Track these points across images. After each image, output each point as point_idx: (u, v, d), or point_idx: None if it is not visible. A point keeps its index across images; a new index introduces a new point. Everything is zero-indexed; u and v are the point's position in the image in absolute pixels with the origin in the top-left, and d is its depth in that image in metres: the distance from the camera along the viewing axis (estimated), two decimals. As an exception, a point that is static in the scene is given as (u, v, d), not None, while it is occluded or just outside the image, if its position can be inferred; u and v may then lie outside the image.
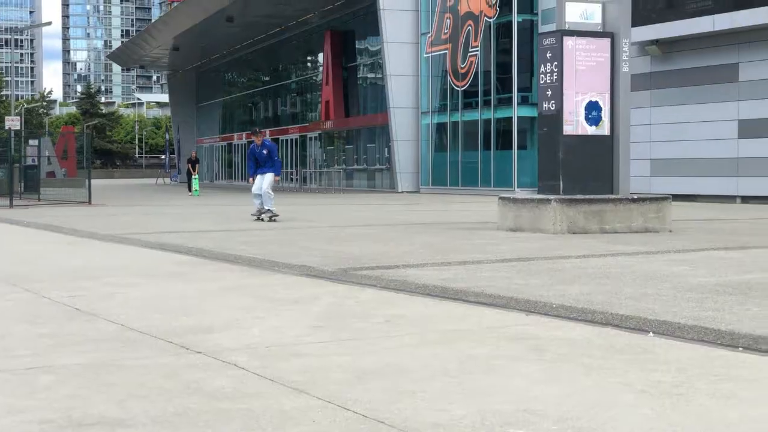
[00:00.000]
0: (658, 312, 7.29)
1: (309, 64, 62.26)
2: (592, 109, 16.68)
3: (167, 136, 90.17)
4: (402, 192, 43.97)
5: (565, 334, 6.60)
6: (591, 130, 16.73)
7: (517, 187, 36.52)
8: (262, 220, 20.31)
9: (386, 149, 47.17)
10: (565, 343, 6.22)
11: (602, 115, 16.78)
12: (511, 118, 38.78)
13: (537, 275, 10.00)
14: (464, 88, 42.12)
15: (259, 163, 21.47)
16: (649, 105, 32.29)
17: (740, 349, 5.94)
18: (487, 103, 40.75)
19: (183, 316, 7.47)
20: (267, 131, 26.78)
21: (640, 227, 16.13)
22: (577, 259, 11.62)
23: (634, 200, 16.43)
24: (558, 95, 16.56)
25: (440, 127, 44.30)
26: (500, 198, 17.64)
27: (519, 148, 38.23)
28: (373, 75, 50.54)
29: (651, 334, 6.48)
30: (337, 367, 5.53)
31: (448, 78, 43.06)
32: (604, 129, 16.86)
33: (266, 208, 20.52)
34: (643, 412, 4.44)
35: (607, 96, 16.86)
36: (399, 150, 44.90)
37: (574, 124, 16.60)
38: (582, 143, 16.67)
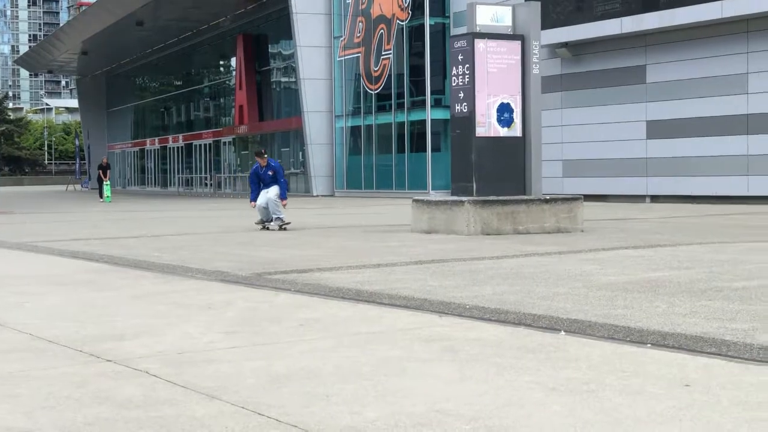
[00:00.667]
0: (569, 311, 7.38)
1: (222, 69, 61.87)
2: (504, 110, 16.84)
3: (77, 142, 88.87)
4: (317, 196, 43.91)
5: (479, 334, 6.64)
6: (503, 132, 16.88)
7: (432, 189, 36.70)
8: (268, 228, 18.98)
9: (301, 153, 47.05)
10: (478, 344, 6.26)
11: (514, 117, 16.95)
12: (425, 120, 38.96)
13: (451, 277, 10.05)
14: (378, 91, 42.21)
15: (261, 186, 19.92)
16: (560, 106, 32.68)
17: (649, 345, 6.04)
18: (400, 106, 40.88)
19: (94, 324, 7.36)
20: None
21: (552, 227, 16.32)
22: (490, 260, 11.70)
23: (546, 201, 16.61)
24: (470, 97, 16.69)
25: (354, 131, 44.33)
26: (414, 200, 17.71)
27: (433, 150, 38.40)
28: (286, 79, 50.42)
29: (562, 332, 6.56)
30: (251, 372, 5.50)
31: (362, 81, 43.12)
32: (516, 130, 17.03)
33: (275, 216, 19.09)
34: (554, 409, 4.49)
35: (519, 98, 17.04)
36: (313, 154, 44.82)
37: (487, 126, 16.73)
38: (494, 145, 16.82)
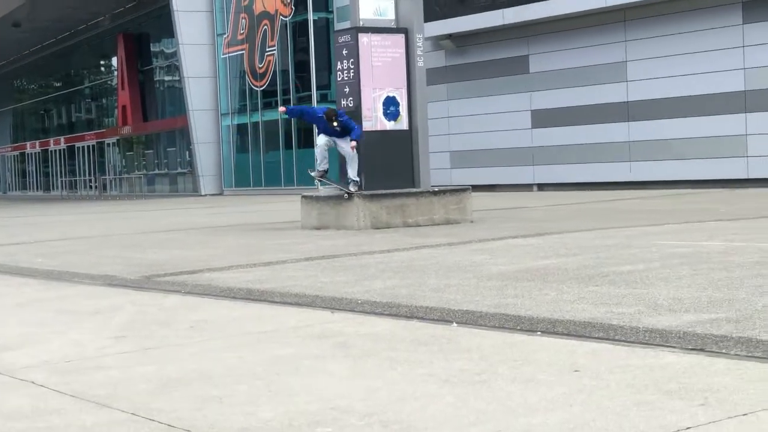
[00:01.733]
0: (460, 302, 7.45)
1: (103, 69, 60.88)
2: (390, 104, 16.91)
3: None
4: (205, 195, 43.53)
5: (371, 329, 6.66)
6: (390, 126, 16.96)
7: (321, 185, 36.65)
8: (322, 180, 17.21)
9: (187, 152, 46.60)
10: (371, 339, 6.27)
11: (400, 110, 17.04)
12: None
13: (342, 272, 10.06)
14: (263, 87, 42.01)
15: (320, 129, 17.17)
16: (446, 98, 32.90)
17: (539, 333, 6.12)
18: (286, 102, 40.73)
19: (-23, 334, 7.19)
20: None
21: (442, 219, 16.44)
22: (381, 254, 11.75)
23: (434, 193, 16.73)
24: (356, 92, 16.73)
25: (241, 128, 44.05)
26: (303, 197, 17.68)
27: (322, 146, 38.38)
28: (170, 78, 49.86)
29: (454, 324, 6.60)
30: (142, 377, 5.42)
31: (247, 78, 42.87)
32: (403, 123, 17.12)
33: (350, 177, 16.45)
34: (447, 400, 4.52)
35: (404, 91, 17.13)
36: (200, 153, 44.40)
37: (373, 120, 16.79)
38: (382, 138, 16.88)
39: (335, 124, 16.18)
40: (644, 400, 4.35)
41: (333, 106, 17.22)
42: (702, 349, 5.36)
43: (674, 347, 5.46)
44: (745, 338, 5.53)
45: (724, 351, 5.28)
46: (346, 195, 16.23)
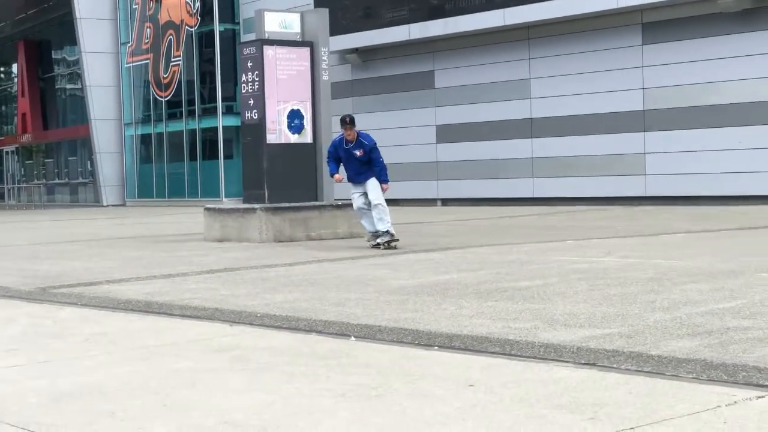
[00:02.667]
0: (360, 316, 7.47)
1: (3, 75, 59.72)
2: (295, 117, 16.90)
3: None
4: (107, 206, 42.95)
5: (269, 342, 6.65)
6: (294, 138, 16.95)
7: (225, 197, 36.43)
8: (381, 246, 13.90)
9: (89, 162, 45.95)
10: (269, 352, 6.26)
11: (304, 123, 17.04)
12: (216, 127, 38.67)
13: (243, 285, 10.03)
14: (168, 98, 41.65)
15: (346, 166, 14.65)
16: (352, 112, 32.93)
17: (436, 348, 6.17)
18: (191, 113, 40.47)
19: None
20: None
21: (345, 233, 16.47)
22: (283, 267, 11.73)
23: (338, 206, 16.75)
24: (260, 104, 16.68)
25: (145, 139, 43.60)
26: (206, 209, 17.59)
27: (225, 157, 38.16)
28: (72, 86, 49.13)
29: (353, 338, 6.63)
30: (33, 391, 5.32)
31: (151, 88, 42.46)
32: (307, 137, 17.12)
33: (381, 227, 14.02)
34: (343, 415, 4.54)
35: (309, 104, 17.14)
36: (102, 163, 43.83)
37: (277, 132, 16.76)
38: (285, 151, 16.86)
39: (358, 152, 14.26)
40: (536, 414, 4.42)
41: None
42: (594, 364, 5.46)
43: (568, 362, 5.55)
44: (635, 353, 5.65)
45: (615, 366, 5.38)
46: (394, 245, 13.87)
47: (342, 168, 14.66)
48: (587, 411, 4.43)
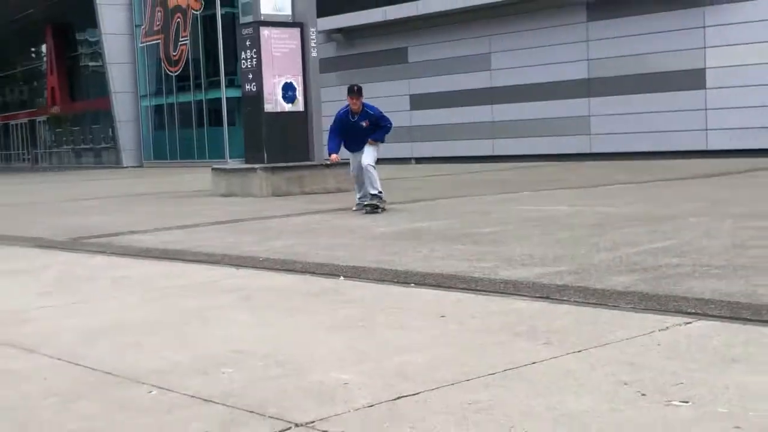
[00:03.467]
0: (347, 258, 7.49)
1: (34, 56, 58.98)
2: (288, 89, 16.84)
3: None
4: (127, 167, 42.67)
5: (271, 283, 6.67)
6: (288, 108, 16.90)
7: (229, 158, 36.25)
8: (367, 210, 11.96)
9: (110, 129, 45.59)
10: (271, 292, 6.29)
11: (297, 94, 16.99)
12: (221, 98, 38.38)
13: (247, 234, 10.03)
14: (177, 73, 41.27)
15: (349, 141, 12.64)
16: (337, 84, 32.75)
17: (412, 285, 6.19)
18: (198, 86, 40.14)
19: None
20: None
21: (334, 188, 16.46)
22: (281, 218, 11.73)
23: (327, 166, 16.70)
24: (258, 78, 16.62)
25: (158, 109, 43.27)
26: (213, 169, 17.59)
27: (229, 124, 37.88)
28: (93, 63, 48.55)
29: (342, 278, 6.65)
30: (68, 328, 5.34)
31: (163, 65, 42.08)
32: (299, 106, 17.08)
33: (370, 191, 12.11)
34: (335, 343, 4.57)
35: (300, 78, 17.07)
36: (122, 130, 43.56)
37: (273, 102, 16.71)
38: (281, 119, 16.82)
39: (364, 123, 12.39)
40: (499, 341, 4.47)
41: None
42: (547, 297, 5.50)
43: (525, 296, 5.59)
44: (582, 287, 5.70)
45: (565, 298, 5.43)
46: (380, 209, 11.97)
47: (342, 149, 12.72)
48: (542, 337, 4.48)
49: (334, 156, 12.61)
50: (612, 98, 24.66)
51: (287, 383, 3.87)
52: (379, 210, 11.81)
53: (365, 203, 12.03)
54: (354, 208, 12.33)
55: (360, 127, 12.31)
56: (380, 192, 12.00)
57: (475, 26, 28.04)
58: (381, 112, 12.62)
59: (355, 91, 12.32)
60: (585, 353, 4.13)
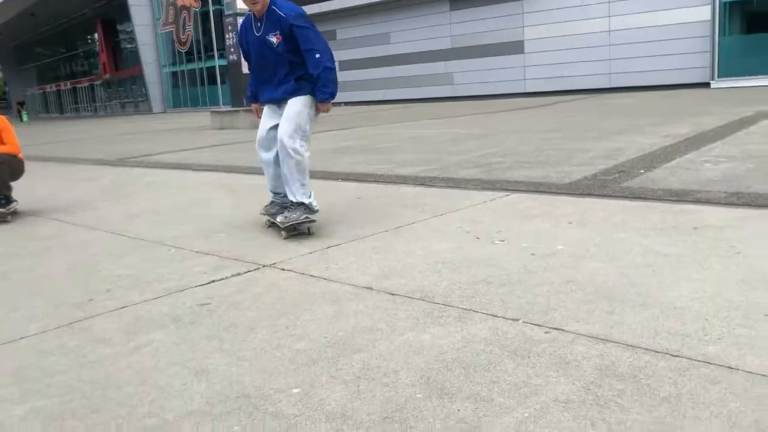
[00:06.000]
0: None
1: (89, 40, 55.58)
2: (257, 58, 16.26)
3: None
4: (156, 113, 41.09)
5: (248, 183, 6.48)
6: (258, 70, 16.31)
7: (223, 105, 35.14)
8: (285, 233, 3.67)
9: (143, 88, 43.67)
10: (248, 188, 6.11)
11: (263, 61, 16.40)
12: (215, 66, 36.98)
13: (235, 152, 9.71)
14: (186, 50, 39.55)
15: (266, 71, 3.69)
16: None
17: (340, 180, 6.05)
18: (200, 58, 38.58)
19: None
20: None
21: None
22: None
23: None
24: (237, 51, 15.98)
25: (174, 74, 41.45)
26: (212, 112, 17.00)
27: (222, 83, 36.55)
28: (130, 45, 46.02)
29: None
30: (116, 213, 5.15)
31: (175, 45, 40.24)
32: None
33: (294, 197, 3.64)
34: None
35: (265, 50, 16.46)
36: (150, 88, 41.89)
37: (247, 67, 16.11)
38: (254, 78, 16.27)
39: (274, 38, 3.61)
40: (394, 211, 4.44)
41: None
42: (423, 184, 5.48)
43: (409, 184, 5.57)
44: (445, 177, 5.69)
45: (434, 184, 5.41)
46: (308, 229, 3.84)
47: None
48: (419, 207, 4.48)
49: (255, 106, 4.25)
50: (465, 61, 24.47)
51: (258, 241, 3.81)
52: (306, 230, 3.85)
53: (280, 219, 3.76)
54: (262, 213, 4.18)
55: (269, 47, 3.75)
56: (309, 202, 3.81)
57: (378, 15, 27.33)
58: (301, 12, 3.71)
59: None
60: (445, 216, 4.15)
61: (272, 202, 4.00)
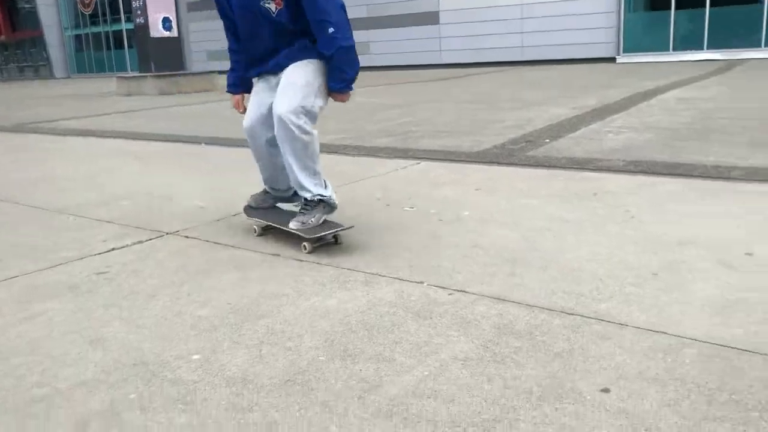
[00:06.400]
0: (210, 132, 7.15)
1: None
2: (166, 21, 15.60)
3: None
4: (58, 78, 38.86)
5: (155, 149, 6.28)
6: (167, 34, 15.68)
7: (131, 71, 33.61)
8: (305, 248, 2.66)
9: (44, 52, 41.14)
10: (155, 154, 5.92)
11: (173, 25, 15.77)
12: (122, 30, 35.27)
13: (140, 119, 9.36)
14: (89, 12, 37.46)
15: (259, 48, 2.53)
16: (205, 19, 30.68)
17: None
18: (105, 21, 36.67)
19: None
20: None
21: (201, 89, 15.61)
22: (163, 108, 11.03)
23: (194, 74, 15.85)
24: (145, 14, 15.29)
25: (78, 37, 39.27)
26: (117, 77, 16.24)
27: (129, 47, 34.92)
28: (28, 5, 43.21)
29: (203, 144, 6.36)
30: (15, 180, 4.86)
31: (78, 6, 38.04)
32: (174, 33, 15.89)
33: (306, 192, 2.69)
34: (196, 185, 4.37)
35: (174, 14, 15.83)
36: (52, 52, 39.50)
37: (157, 31, 15.47)
38: (162, 42, 15.62)
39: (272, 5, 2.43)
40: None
41: None
42: (337, 152, 5.47)
43: (323, 151, 5.50)
44: (359, 146, 5.69)
45: (348, 153, 5.41)
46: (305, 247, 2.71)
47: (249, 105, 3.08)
48: (336, 175, 4.44)
49: (236, 98, 2.94)
50: (382, 30, 24.39)
51: (163, 209, 3.70)
52: (334, 240, 2.80)
53: (295, 226, 2.72)
54: (246, 208, 3.11)
55: (267, 17, 2.51)
56: (329, 196, 2.81)
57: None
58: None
59: None
60: (359, 182, 4.16)
61: (265, 190, 2.87)
